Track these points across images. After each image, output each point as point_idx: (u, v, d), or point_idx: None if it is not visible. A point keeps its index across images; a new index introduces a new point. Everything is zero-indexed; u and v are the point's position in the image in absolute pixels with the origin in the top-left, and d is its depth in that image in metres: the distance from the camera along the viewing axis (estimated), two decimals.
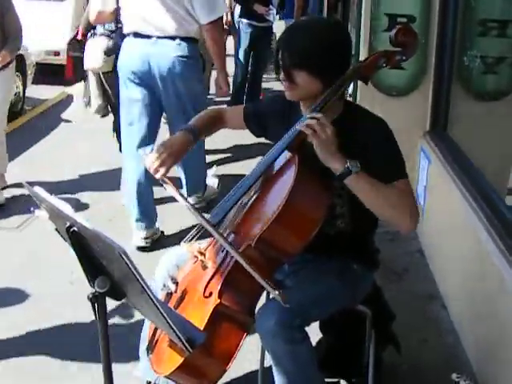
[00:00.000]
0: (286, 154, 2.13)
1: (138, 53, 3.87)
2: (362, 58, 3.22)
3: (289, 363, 2.08)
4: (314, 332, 2.62)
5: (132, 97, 3.98)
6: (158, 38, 3.81)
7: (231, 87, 7.30)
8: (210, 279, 2.14)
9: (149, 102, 3.99)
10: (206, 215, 2.20)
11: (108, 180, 5.28)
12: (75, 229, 1.60)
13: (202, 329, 1.98)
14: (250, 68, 7.43)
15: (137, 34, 3.86)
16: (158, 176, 2.24)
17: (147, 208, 4.14)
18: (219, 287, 2.07)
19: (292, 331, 2.04)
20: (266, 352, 2.19)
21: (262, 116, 2.46)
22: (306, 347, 2.10)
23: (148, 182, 4.01)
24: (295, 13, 8.12)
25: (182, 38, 3.84)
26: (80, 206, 4.63)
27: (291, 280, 2.31)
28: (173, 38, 3.82)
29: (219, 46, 4.06)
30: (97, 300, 1.64)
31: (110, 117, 5.09)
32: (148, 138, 4.03)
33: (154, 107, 4.03)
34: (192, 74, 3.99)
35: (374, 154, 2.08)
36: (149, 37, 3.82)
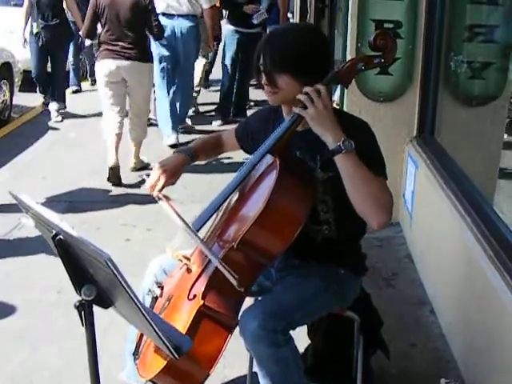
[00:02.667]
0: (268, 158, 2.14)
1: (168, 26, 6.28)
2: None
3: (272, 366, 2.06)
4: (303, 338, 2.63)
5: (163, 54, 6.47)
6: (178, 15, 6.41)
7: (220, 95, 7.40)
8: (195, 282, 2.14)
9: (172, 55, 6.53)
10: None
11: (95, 188, 5.28)
12: (61, 237, 1.60)
13: (185, 331, 1.98)
14: (237, 76, 7.41)
15: (164, 14, 6.29)
16: (154, 193, 2.31)
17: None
18: (203, 289, 2.08)
19: (275, 334, 2.03)
20: None
21: (250, 129, 2.47)
22: (290, 350, 2.09)
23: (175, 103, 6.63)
24: (280, 20, 8.12)
25: (192, 15, 6.48)
26: (67, 214, 4.61)
27: (279, 286, 2.31)
28: (187, 15, 6.44)
29: (212, 21, 6.84)
30: (83, 308, 1.63)
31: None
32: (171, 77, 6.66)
33: (174, 59, 6.59)
34: (195, 35, 6.61)
35: (358, 153, 2.05)
36: (172, 15, 6.40)
